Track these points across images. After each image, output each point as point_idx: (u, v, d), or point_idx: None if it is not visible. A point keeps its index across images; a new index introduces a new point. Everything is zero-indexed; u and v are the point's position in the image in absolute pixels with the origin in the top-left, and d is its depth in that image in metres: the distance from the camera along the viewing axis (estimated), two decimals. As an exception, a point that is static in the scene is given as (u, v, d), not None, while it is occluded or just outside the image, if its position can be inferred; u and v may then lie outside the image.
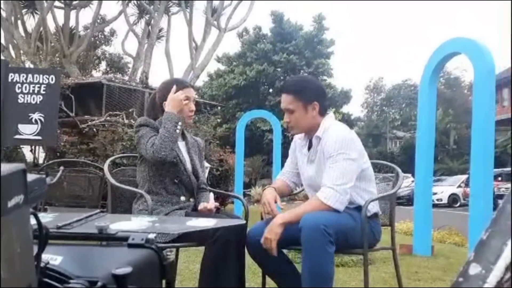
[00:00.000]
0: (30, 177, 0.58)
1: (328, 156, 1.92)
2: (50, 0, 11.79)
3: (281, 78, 24.93)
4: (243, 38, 27.37)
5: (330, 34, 26.90)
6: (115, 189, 2.24)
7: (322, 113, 2.04)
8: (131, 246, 0.71)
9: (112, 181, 2.12)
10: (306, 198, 2.23)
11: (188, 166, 2.18)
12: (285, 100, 2.03)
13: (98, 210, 0.82)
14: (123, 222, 0.79)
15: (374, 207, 2.03)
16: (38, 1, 11.17)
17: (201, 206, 2.09)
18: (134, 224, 0.79)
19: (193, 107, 2.19)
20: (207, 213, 2.04)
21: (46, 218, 0.81)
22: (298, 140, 2.17)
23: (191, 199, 2.15)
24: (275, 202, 2.00)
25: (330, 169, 1.90)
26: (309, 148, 2.08)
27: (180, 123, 2.06)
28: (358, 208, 1.97)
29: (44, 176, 0.67)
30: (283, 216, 1.88)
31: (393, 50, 64.07)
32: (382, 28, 65.50)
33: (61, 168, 4.01)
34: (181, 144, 2.23)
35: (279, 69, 25.69)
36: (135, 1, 14.53)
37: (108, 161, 2.30)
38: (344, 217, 1.88)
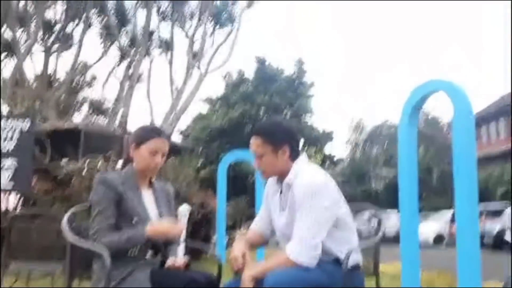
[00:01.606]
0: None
1: (298, 206, 1.79)
2: (28, 44, 11.76)
3: (264, 119, 25.19)
4: (226, 81, 27.81)
5: (310, 77, 27.55)
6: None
7: (294, 157, 1.92)
8: None
9: (69, 236, 1.94)
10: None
11: (153, 220, 2.00)
12: (254, 143, 1.94)
13: None
14: None
15: (354, 258, 1.86)
16: (16, 45, 11.13)
17: (168, 262, 1.91)
18: None
19: (159, 160, 2.03)
20: (175, 270, 1.87)
21: None
22: (270, 185, 2.04)
23: (158, 255, 1.97)
24: (244, 257, 1.84)
25: (299, 221, 1.77)
26: (281, 194, 1.94)
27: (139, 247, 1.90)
28: (337, 260, 1.81)
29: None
30: (251, 273, 1.74)
31: (373, 91, 65.85)
32: (363, 69, 67.58)
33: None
34: (147, 194, 2.07)
35: (261, 111, 25.95)
36: (116, 45, 14.64)
37: (68, 212, 2.11)
38: (315, 273, 1.72)
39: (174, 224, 1.91)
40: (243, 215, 21.16)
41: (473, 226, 3.91)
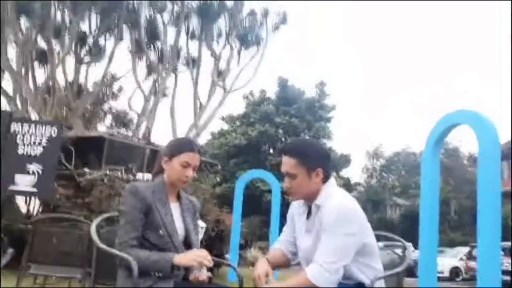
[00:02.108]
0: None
1: (325, 228, 1.78)
2: (61, 54, 12.16)
3: (282, 140, 25.26)
4: (247, 100, 28.03)
5: (331, 100, 27.58)
6: (102, 250, 2.10)
7: (325, 180, 1.91)
8: None
9: (98, 242, 1.99)
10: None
11: (180, 234, 2.05)
12: (287, 163, 1.89)
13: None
14: None
15: (378, 284, 1.87)
16: (50, 55, 11.53)
17: (192, 276, 1.94)
18: None
19: (190, 173, 2.06)
20: (198, 284, 1.90)
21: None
22: (297, 206, 2.02)
23: (182, 268, 2.00)
24: (267, 276, 1.85)
25: (324, 244, 1.76)
26: (308, 215, 1.94)
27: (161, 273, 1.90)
28: (360, 284, 1.81)
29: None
30: None
31: (393, 117, 65.52)
32: (383, 94, 67.41)
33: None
34: (175, 206, 2.10)
35: (280, 131, 26.04)
36: (144, 60, 14.98)
37: (98, 219, 2.18)
38: None
39: (200, 253, 1.90)
40: (254, 235, 21.03)
41: (495, 261, 3.83)
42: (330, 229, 1.76)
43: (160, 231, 1.96)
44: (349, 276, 1.78)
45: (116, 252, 1.91)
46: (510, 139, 18.42)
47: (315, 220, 1.87)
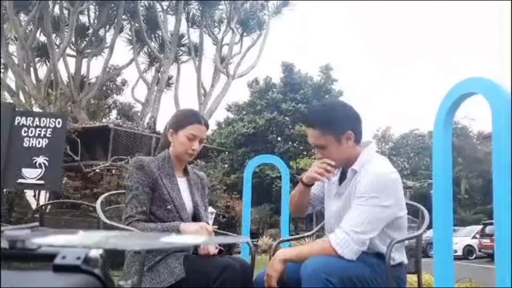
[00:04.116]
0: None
1: (358, 195, 1.66)
2: (61, 47, 12.10)
3: (289, 127, 25.13)
4: (253, 87, 27.90)
5: (338, 85, 27.33)
6: (107, 229, 2.04)
7: (358, 140, 1.76)
8: (57, 268, 0.46)
9: (103, 218, 1.93)
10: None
11: (188, 209, 1.97)
12: (312, 136, 1.76)
13: (36, 223, 0.60)
14: (65, 236, 0.56)
15: (400, 256, 1.76)
16: (50, 49, 11.47)
17: (201, 249, 1.86)
18: (79, 238, 0.55)
19: (196, 146, 1.98)
20: (209, 257, 1.82)
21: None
22: None
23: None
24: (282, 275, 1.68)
25: (355, 211, 1.64)
26: (341, 180, 1.82)
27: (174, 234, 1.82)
28: (379, 255, 1.70)
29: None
30: (285, 253, 1.67)
31: (400, 100, 65.03)
32: (390, 78, 66.78)
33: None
34: (182, 181, 2.03)
35: (287, 118, 25.91)
36: (145, 50, 14.90)
37: (102, 197, 2.11)
38: (356, 264, 1.61)
39: (206, 226, 1.83)
40: (265, 222, 21.06)
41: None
42: (364, 197, 1.64)
43: (168, 206, 1.89)
44: (369, 246, 1.67)
45: (122, 226, 1.84)
46: None
47: (349, 185, 1.75)
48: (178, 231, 1.79)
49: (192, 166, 2.20)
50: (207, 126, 2.05)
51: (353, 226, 1.62)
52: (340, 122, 1.74)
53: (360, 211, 1.63)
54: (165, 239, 0.61)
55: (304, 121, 1.85)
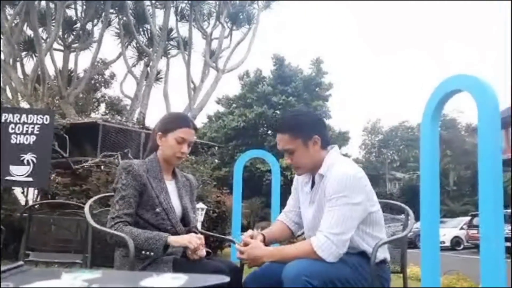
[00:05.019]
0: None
1: (328, 198, 1.72)
2: (49, 42, 11.93)
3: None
4: (243, 80, 27.81)
5: (328, 78, 27.38)
6: (97, 233, 2.03)
7: (325, 146, 1.85)
8: None
9: (91, 221, 1.92)
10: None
11: (177, 212, 1.98)
12: (282, 141, 1.84)
13: (20, 262, 0.60)
14: (44, 281, 0.55)
15: (382, 253, 1.81)
16: (37, 43, 11.30)
17: (190, 252, 1.87)
18: (59, 285, 0.55)
19: (185, 149, 1.99)
20: (198, 259, 1.83)
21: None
22: (301, 177, 1.96)
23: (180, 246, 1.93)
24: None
25: (329, 214, 1.70)
26: (312, 186, 1.87)
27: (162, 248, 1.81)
28: (362, 254, 1.76)
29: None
30: (271, 255, 1.74)
31: (390, 93, 65.37)
32: (380, 71, 67.02)
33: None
34: (170, 184, 2.03)
35: (278, 111, 25.94)
36: (134, 44, 14.75)
37: (90, 201, 2.11)
38: (337, 266, 1.66)
39: (196, 238, 1.83)
40: (256, 216, 21.13)
41: (498, 230, 3.79)
42: (334, 199, 1.70)
43: (157, 209, 1.90)
44: (351, 245, 1.72)
45: (109, 230, 1.85)
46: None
47: (319, 191, 1.81)
48: (165, 243, 1.79)
49: (180, 169, 2.20)
50: (196, 129, 2.06)
51: (331, 229, 1.66)
52: (307, 127, 1.83)
53: (333, 213, 1.68)
54: (146, 282, 0.61)
55: (276, 128, 1.94)
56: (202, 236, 1.87)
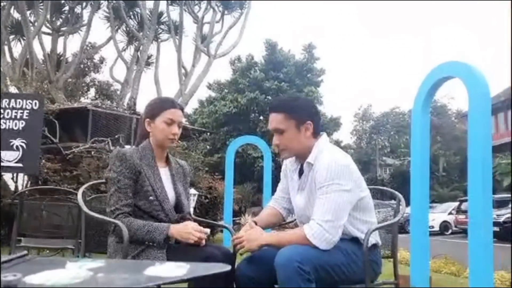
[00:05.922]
0: None
1: (319, 186, 1.73)
2: (37, 25, 11.70)
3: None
4: (235, 65, 27.60)
5: (320, 64, 27.30)
6: (90, 219, 2.03)
7: (315, 134, 1.85)
8: None
9: (85, 208, 1.92)
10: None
11: (170, 198, 1.97)
12: (275, 120, 1.83)
13: (24, 252, 0.60)
14: (51, 271, 0.56)
15: (373, 238, 1.84)
16: (25, 26, 11.08)
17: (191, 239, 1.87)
18: (66, 275, 0.56)
19: (176, 130, 1.98)
20: (192, 246, 1.84)
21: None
22: (289, 164, 1.97)
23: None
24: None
25: (320, 202, 1.71)
26: (300, 174, 1.88)
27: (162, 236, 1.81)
28: (354, 240, 1.78)
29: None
30: (267, 239, 1.76)
31: (381, 79, 65.46)
32: (372, 57, 66.97)
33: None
34: (164, 171, 2.02)
35: (270, 97, 25.88)
36: (124, 28, 14.53)
37: (83, 188, 2.09)
38: (330, 252, 1.68)
39: (198, 232, 1.83)
40: (248, 201, 21.24)
41: (487, 215, 3.84)
42: (325, 187, 1.71)
43: (151, 197, 1.89)
44: (343, 231, 1.74)
45: (107, 218, 1.85)
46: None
47: (308, 179, 1.82)
48: (166, 235, 1.80)
49: (172, 154, 2.19)
50: (182, 110, 2.06)
51: (323, 216, 1.68)
52: (302, 111, 1.83)
53: (324, 200, 1.70)
54: (150, 271, 0.61)
55: (269, 107, 1.90)
56: (204, 229, 1.87)
